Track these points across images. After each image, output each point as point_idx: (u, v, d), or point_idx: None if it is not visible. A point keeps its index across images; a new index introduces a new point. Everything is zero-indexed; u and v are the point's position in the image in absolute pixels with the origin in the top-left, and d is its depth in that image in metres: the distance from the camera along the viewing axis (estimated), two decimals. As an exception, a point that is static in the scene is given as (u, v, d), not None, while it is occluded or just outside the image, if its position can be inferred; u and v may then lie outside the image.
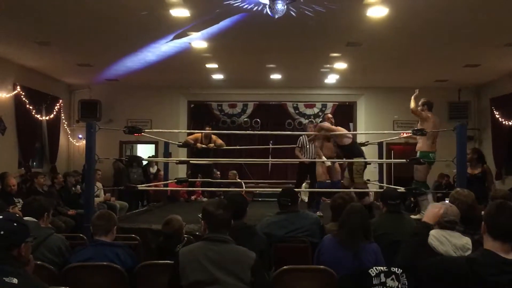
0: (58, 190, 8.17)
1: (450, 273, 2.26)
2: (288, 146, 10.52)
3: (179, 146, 8.72)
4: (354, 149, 6.64)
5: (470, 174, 6.44)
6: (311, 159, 6.92)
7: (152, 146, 12.23)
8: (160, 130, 8.99)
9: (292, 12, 6.09)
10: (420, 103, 6.46)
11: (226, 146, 9.12)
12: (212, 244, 2.69)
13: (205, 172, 8.62)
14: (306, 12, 6.21)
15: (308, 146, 6.99)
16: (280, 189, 4.64)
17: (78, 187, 8.46)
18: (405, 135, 9.01)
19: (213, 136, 8.55)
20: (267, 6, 5.66)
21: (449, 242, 2.73)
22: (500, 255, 2.18)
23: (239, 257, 2.66)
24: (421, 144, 6.30)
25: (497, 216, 2.24)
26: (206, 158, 8.36)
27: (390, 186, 7.88)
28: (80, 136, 11.84)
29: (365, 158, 6.83)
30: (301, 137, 7.13)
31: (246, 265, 2.63)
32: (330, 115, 7.18)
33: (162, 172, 9.76)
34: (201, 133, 8.53)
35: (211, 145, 8.44)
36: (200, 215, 2.98)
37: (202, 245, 2.72)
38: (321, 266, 3.19)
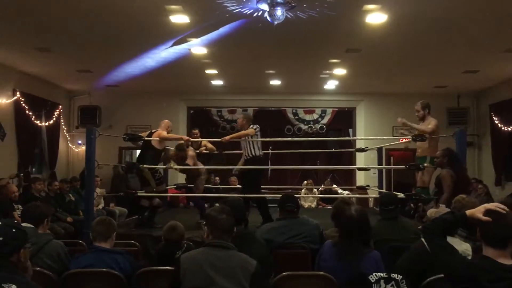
0: (53, 197, 8.14)
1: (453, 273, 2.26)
2: (288, 151, 10.59)
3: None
4: None
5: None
6: None
7: (152, 152, 12.19)
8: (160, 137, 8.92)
9: (291, 19, 6.11)
10: (420, 107, 6.39)
11: (226, 151, 8.92)
12: (214, 250, 2.69)
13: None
14: (305, 18, 6.23)
15: None
16: (281, 195, 4.62)
17: (70, 194, 8.43)
18: (404, 140, 9.00)
19: (204, 141, 8.08)
20: (266, 12, 5.69)
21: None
22: (497, 261, 2.17)
23: (241, 263, 2.66)
24: (431, 149, 6.10)
25: (492, 224, 2.23)
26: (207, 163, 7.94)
27: (387, 191, 7.83)
28: (79, 142, 11.82)
29: None
30: None
31: (247, 272, 2.63)
32: None
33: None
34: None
35: (202, 148, 7.92)
36: (202, 222, 2.96)
37: (204, 251, 2.73)
38: (321, 273, 3.17)
